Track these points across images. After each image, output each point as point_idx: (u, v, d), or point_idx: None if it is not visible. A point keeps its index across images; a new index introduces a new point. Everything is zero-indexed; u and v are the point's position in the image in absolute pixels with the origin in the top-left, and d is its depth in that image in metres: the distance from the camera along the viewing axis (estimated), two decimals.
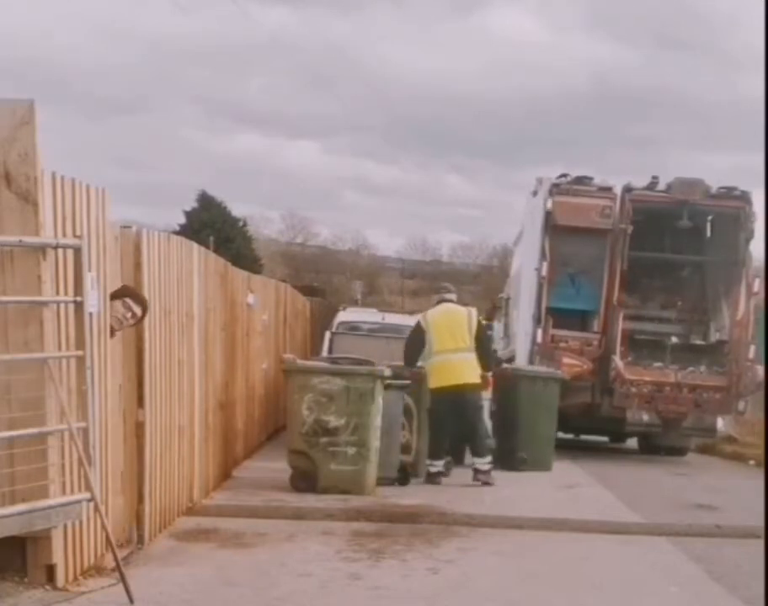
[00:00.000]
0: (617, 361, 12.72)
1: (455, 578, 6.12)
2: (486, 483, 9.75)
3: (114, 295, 5.91)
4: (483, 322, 10.35)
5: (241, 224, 37.65)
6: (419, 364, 10.14)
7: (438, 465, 9.91)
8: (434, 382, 9.93)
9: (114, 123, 79.40)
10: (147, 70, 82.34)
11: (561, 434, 12.02)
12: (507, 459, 10.95)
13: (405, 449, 9.81)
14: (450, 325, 10.10)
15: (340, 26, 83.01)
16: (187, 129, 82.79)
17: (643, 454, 14.00)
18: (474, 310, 10.48)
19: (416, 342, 10.20)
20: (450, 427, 10.02)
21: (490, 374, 10.53)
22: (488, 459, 9.97)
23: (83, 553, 5.50)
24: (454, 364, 9.94)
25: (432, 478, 9.84)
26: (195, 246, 7.93)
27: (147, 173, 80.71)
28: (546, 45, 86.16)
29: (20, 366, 4.96)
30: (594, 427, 14.06)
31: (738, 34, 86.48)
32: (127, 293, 6.07)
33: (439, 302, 10.45)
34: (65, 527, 5.23)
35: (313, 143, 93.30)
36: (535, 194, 13.62)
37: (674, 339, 13.58)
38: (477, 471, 9.89)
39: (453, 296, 10.50)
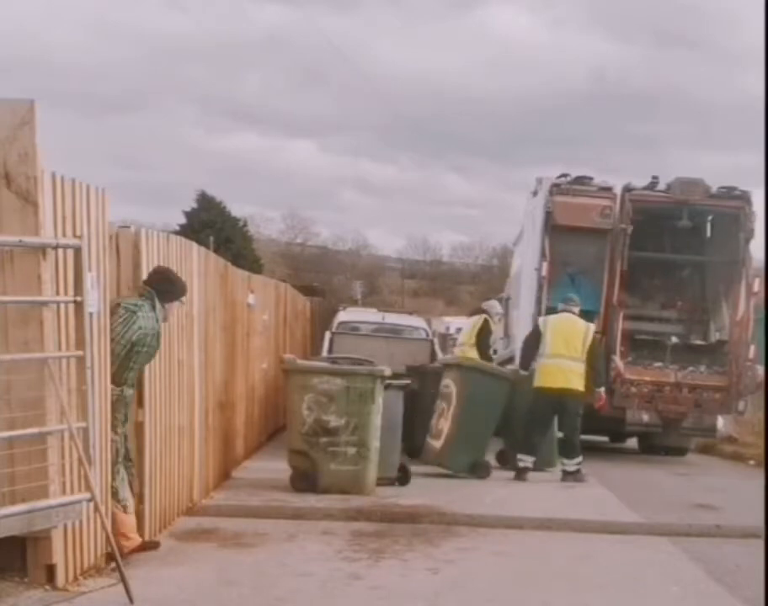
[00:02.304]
0: (617, 361, 12.72)
1: (455, 578, 6.12)
2: (577, 481, 10.38)
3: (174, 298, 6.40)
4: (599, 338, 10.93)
5: (241, 224, 37.69)
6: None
7: (527, 461, 10.46)
8: (539, 382, 10.56)
9: (112, 122, 79.55)
10: (145, 69, 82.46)
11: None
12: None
13: (437, 434, 10.39)
14: (567, 333, 10.68)
15: (339, 25, 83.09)
16: (185, 128, 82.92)
17: (643, 454, 13.99)
18: (593, 326, 11.00)
19: (532, 343, 10.86)
20: (546, 428, 10.71)
21: (602, 389, 10.99)
22: (576, 460, 10.53)
23: (83, 553, 5.50)
24: (562, 368, 10.54)
25: (521, 473, 10.41)
26: (195, 246, 7.93)
27: (145, 172, 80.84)
28: (546, 44, 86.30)
29: (20, 366, 4.96)
30: (594, 427, 14.02)
31: (738, 33, 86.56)
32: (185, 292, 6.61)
33: (561, 311, 10.97)
34: (65, 527, 5.23)
35: (312, 142, 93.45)
36: (535, 193, 13.62)
37: (674, 339, 13.57)
38: (565, 473, 10.49)
39: (576, 309, 10.97)
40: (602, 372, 11.04)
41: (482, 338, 11.93)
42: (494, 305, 12.77)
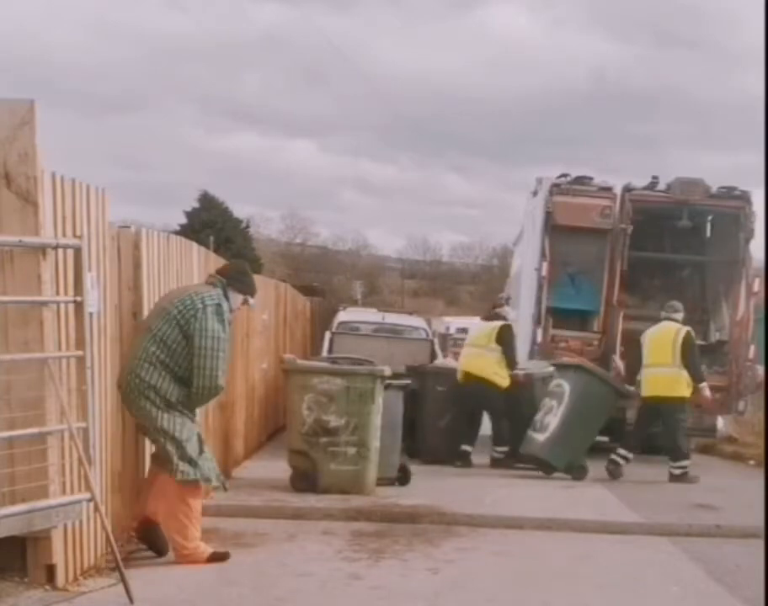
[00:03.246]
0: (617, 361, 12.71)
1: (455, 578, 6.12)
2: (687, 482, 10.64)
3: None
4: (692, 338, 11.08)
5: (243, 225, 37.71)
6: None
7: (629, 458, 10.95)
8: (642, 392, 11.03)
9: (112, 122, 79.58)
10: (145, 69, 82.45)
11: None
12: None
13: (541, 428, 10.80)
14: (658, 341, 10.95)
15: (338, 25, 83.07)
16: (185, 128, 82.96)
17: (643, 454, 13.98)
18: (684, 329, 11.05)
19: (637, 357, 11.18)
20: (644, 433, 11.30)
21: (704, 385, 11.08)
22: (683, 463, 10.83)
23: (83, 553, 5.50)
24: (656, 376, 10.85)
25: (617, 470, 10.83)
26: (195, 246, 7.93)
27: (145, 172, 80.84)
28: (546, 44, 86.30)
29: (20, 366, 4.96)
30: None
31: (738, 33, 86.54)
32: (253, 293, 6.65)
33: (663, 319, 11.18)
34: (65, 527, 5.23)
35: (312, 142, 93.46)
36: (535, 193, 13.62)
37: None
38: (671, 475, 10.77)
39: (676, 315, 11.16)
40: (696, 369, 11.01)
41: (512, 341, 11.66)
42: (509, 310, 12.57)
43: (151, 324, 6.01)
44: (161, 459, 6.04)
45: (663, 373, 10.80)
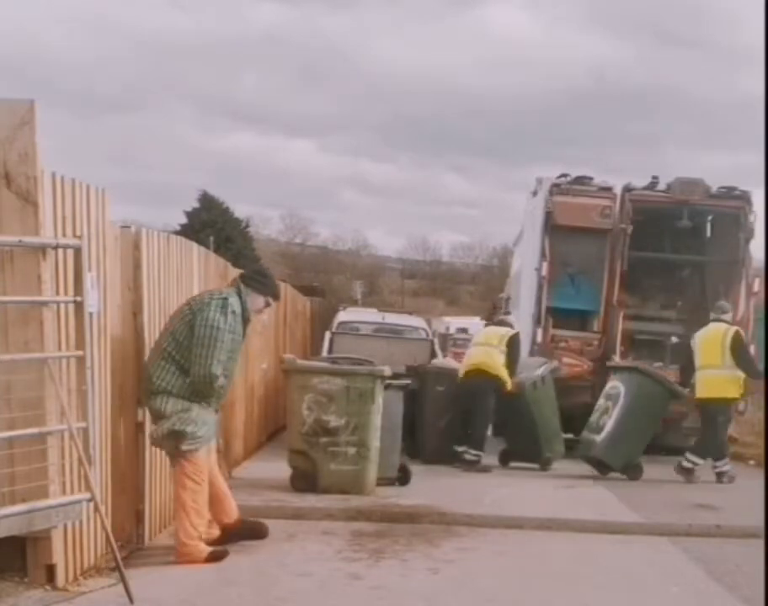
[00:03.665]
0: (617, 361, 12.71)
1: (455, 578, 6.12)
2: (729, 480, 10.85)
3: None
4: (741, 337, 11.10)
5: (243, 225, 37.68)
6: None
7: (699, 464, 10.91)
8: (696, 394, 11.05)
9: (111, 121, 79.58)
10: (145, 68, 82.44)
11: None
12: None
13: (597, 429, 10.96)
14: (707, 343, 11.02)
15: (338, 24, 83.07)
16: (184, 127, 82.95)
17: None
18: (733, 329, 11.12)
19: (688, 361, 11.27)
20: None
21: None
22: (724, 461, 10.97)
23: (83, 553, 5.50)
24: (707, 379, 10.90)
25: (690, 475, 10.85)
26: (195, 246, 7.93)
27: (145, 172, 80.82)
28: (546, 43, 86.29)
29: (20, 366, 4.96)
30: None
31: (739, 33, 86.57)
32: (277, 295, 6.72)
33: (712, 321, 11.25)
34: (65, 527, 5.23)
35: (312, 142, 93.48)
36: (535, 193, 13.62)
37: (674, 339, 13.56)
38: (719, 474, 10.90)
39: (725, 315, 11.30)
40: (750, 366, 11.00)
41: (518, 350, 11.66)
42: (515, 321, 12.56)
43: (170, 324, 6.22)
44: (173, 457, 6.17)
45: (713, 375, 10.86)
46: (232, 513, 6.57)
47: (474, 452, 11.18)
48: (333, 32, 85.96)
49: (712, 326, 11.18)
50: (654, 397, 10.99)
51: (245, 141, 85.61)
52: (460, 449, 11.28)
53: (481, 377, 11.23)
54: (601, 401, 11.22)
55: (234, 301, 6.15)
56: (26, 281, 5.00)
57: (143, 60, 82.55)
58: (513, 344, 11.44)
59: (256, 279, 6.50)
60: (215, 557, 6.12)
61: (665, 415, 11.35)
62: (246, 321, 6.30)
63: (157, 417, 6.08)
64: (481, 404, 11.30)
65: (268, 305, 6.61)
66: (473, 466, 11.05)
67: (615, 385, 11.21)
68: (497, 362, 11.27)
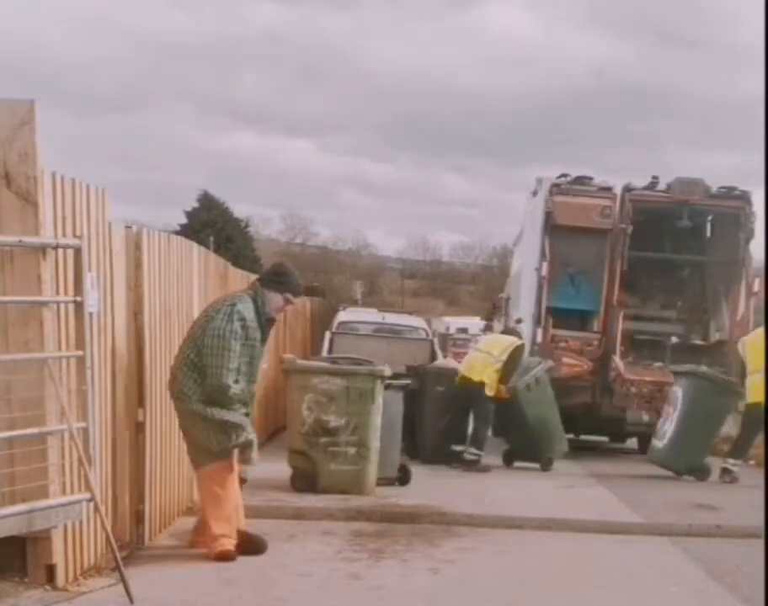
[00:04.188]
0: (617, 361, 12.72)
1: (455, 578, 6.12)
2: (729, 482, 10.84)
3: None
4: None
5: (243, 225, 37.71)
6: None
7: (739, 465, 11.00)
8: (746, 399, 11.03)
9: (111, 121, 79.61)
10: (145, 68, 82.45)
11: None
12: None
13: (661, 435, 11.20)
14: (754, 347, 10.97)
15: (337, 24, 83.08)
16: (184, 127, 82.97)
17: (643, 454, 13.98)
18: None
19: (739, 364, 11.27)
20: (752, 440, 11.25)
21: None
22: (740, 462, 11.00)
23: (83, 553, 5.50)
24: (755, 383, 10.79)
25: (730, 476, 10.88)
26: (195, 246, 7.93)
27: (145, 172, 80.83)
28: (545, 42, 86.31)
29: (20, 366, 4.96)
30: (594, 427, 14.04)
31: (739, 32, 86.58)
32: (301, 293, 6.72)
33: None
34: (65, 527, 5.23)
35: (312, 142, 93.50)
36: (535, 193, 13.62)
37: (674, 339, 13.56)
38: (725, 470, 10.93)
39: None
40: None
41: (519, 360, 11.63)
42: (523, 330, 12.57)
43: (191, 331, 6.31)
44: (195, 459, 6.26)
45: (758, 379, 10.75)
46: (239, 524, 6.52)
47: (474, 451, 11.20)
48: (333, 32, 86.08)
49: (759, 330, 11.16)
50: (714, 400, 11.07)
51: (245, 141, 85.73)
52: (458, 448, 11.29)
53: (468, 383, 11.30)
54: (665, 407, 11.46)
55: (244, 307, 6.12)
56: (26, 281, 4.99)
57: (143, 60, 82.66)
58: (514, 355, 11.46)
59: (271, 278, 6.46)
60: (223, 557, 6.15)
61: (729, 412, 11.35)
62: (266, 323, 6.26)
63: (183, 419, 6.19)
64: (480, 405, 11.31)
65: (288, 302, 6.52)
66: (473, 466, 11.06)
67: (674, 390, 11.41)
68: (484, 369, 11.30)
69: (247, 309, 6.14)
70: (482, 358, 11.52)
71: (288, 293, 6.47)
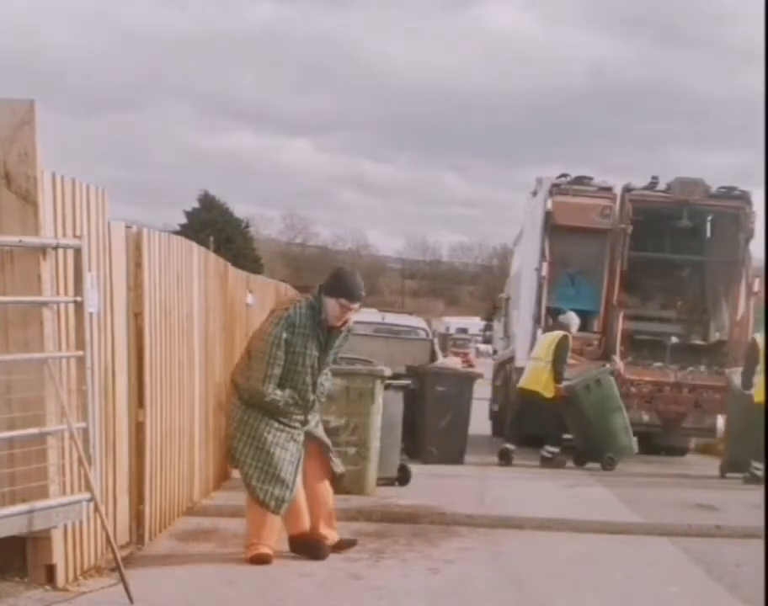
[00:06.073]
0: (617, 361, 12.72)
1: (455, 578, 6.11)
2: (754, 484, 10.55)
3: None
4: None
5: (243, 225, 37.72)
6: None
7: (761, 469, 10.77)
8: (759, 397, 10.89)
9: (111, 121, 79.64)
10: (144, 67, 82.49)
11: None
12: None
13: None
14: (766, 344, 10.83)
15: (337, 23, 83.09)
16: (184, 127, 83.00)
17: (643, 454, 13.99)
18: None
19: (751, 360, 11.09)
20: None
21: None
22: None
23: (83, 553, 5.50)
24: (762, 382, 10.73)
25: (759, 479, 10.67)
26: (195, 246, 7.93)
27: (145, 172, 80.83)
28: (545, 41, 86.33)
29: (20, 366, 4.96)
30: None
31: (739, 32, 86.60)
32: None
33: None
34: (65, 527, 5.23)
35: (311, 142, 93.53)
36: (535, 194, 13.63)
37: (674, 339, 13.58)
38: (753, 475, 10.85)
39: None
40: None
41: (561, 354, 11.74)
42: (572, 318, 12.25)
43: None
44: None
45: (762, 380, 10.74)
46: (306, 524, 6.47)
47: (549, 449, 11.65)
48: (332, 31, 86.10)
49: None
50: (739, 397, 11.17)
51: (245, 141, 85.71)
52: (510, 446, 11.76)
53: (529, 394, 11.72)
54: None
55: (296, 313, 6.03)
56: (26, 281, 4.99)
57: (143, 59, 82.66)
58: (558, 350, 11.65)
59: (327, 283, 6.22)
60: (258, 560, 6.13)
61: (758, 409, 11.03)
62: (325, 329, 6.12)
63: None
64: (548, 411, 11.66)
65: (344, 308, 6.14)
66: (549, 463, 11.51)
67: None
68: (540, 378, 11.64)
69: (299, 315, 6.02)
70: (533, 365, 11.92)
71: (342, 298, 6.13)
